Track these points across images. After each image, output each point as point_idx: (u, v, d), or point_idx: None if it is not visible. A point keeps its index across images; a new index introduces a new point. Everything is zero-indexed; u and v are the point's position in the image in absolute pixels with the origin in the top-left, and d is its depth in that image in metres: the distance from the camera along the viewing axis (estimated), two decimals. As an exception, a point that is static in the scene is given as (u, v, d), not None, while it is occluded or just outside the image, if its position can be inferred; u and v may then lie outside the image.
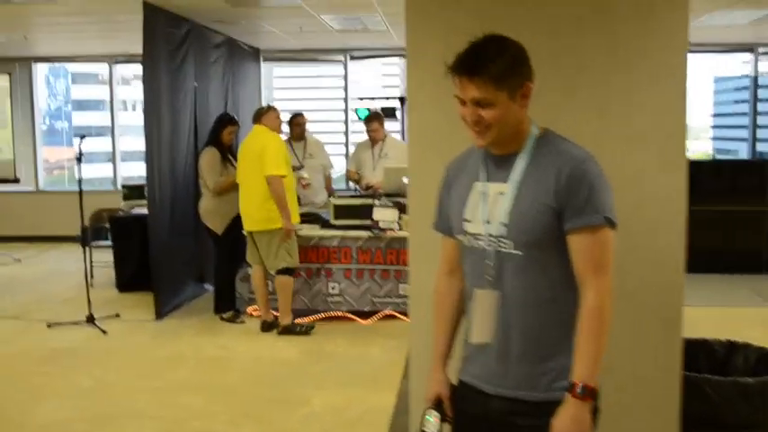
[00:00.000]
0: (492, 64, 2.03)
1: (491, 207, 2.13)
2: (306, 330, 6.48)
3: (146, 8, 6.78)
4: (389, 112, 8.37)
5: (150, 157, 6.97)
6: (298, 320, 6.59)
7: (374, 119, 7.67)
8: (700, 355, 3.04)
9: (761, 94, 10.70)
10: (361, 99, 9.92)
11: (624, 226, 2.77)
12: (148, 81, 6.99)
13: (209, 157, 6.72)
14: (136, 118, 12.70)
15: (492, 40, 2.09)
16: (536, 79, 2.07)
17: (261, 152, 6.18)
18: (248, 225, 6.43)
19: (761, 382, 2.93)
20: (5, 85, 9.91)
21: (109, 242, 8.68)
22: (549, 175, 2.06)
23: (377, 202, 6.70)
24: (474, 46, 2.08)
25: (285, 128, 7.07)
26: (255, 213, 6.31)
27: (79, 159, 6.82)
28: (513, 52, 2.08)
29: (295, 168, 6.99)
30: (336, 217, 6.81)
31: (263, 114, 6.45)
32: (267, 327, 6.50)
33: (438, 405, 2.27)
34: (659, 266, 2.82)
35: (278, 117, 6.52)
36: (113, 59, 11.48)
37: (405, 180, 6.73)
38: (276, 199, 6.15)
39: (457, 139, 2.85)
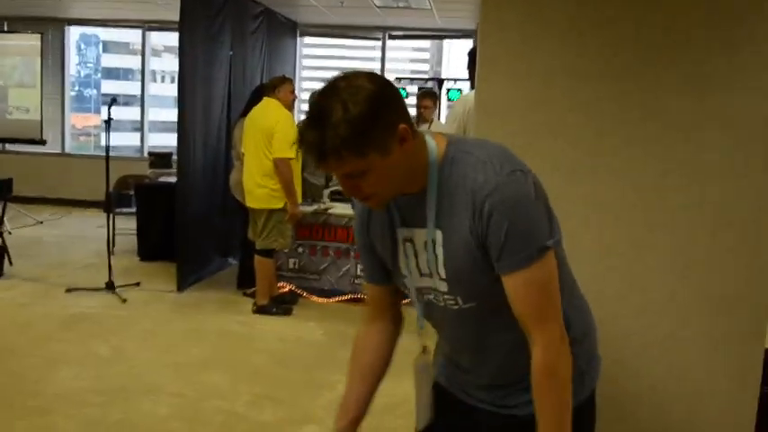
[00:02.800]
0: (339, 134, 1.59)
1: (427, 257, 1.80)
2: (284, 312, 6.28)
3: (184, -28, 6.59)
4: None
5: (182, 124, 6.78)
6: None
7: (428, 96, 7.36)
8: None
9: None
10: (399, 79, 9.67)
11: (715, 224, 2.58)
12: (184, 47, 6.78)
13: (242, 127, 6.49)
14: (164, 89, 12.59)
15: (333, 93, 1.62)
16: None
17: (270, 130, 5.90)
18: (248, 201, 6.19)
19: None
20: (36, 45, 9.76)
21: (133, 209, 8.52)
22: (464, 213, 1.70)
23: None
24: (313, 110, 1.64)
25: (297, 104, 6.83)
26: (256, 190, 6.06)
27: (108, 123, 6.64)
28: (365, 101, 1.61)
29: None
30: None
31: (278, 86, 6.14)
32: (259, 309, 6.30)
33: None
34: (749, 272, 2.58)
35: (292, 91, 6.25)
36: (147, 26, 11.32)
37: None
38: (283, 182, 5.90)
39: (531, 115, 2.66)
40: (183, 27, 6.75)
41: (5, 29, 11.37)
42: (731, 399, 2.63)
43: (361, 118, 1.59)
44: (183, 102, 6.80)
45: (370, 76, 1.66)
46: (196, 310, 6.34)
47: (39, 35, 9.84)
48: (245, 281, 6.76)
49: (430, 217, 1.74)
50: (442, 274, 1.77)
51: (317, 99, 1.65)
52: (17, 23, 11.22)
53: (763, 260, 2.56)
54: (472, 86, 5.56)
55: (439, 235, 1.75)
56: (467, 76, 5.88)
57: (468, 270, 1.73)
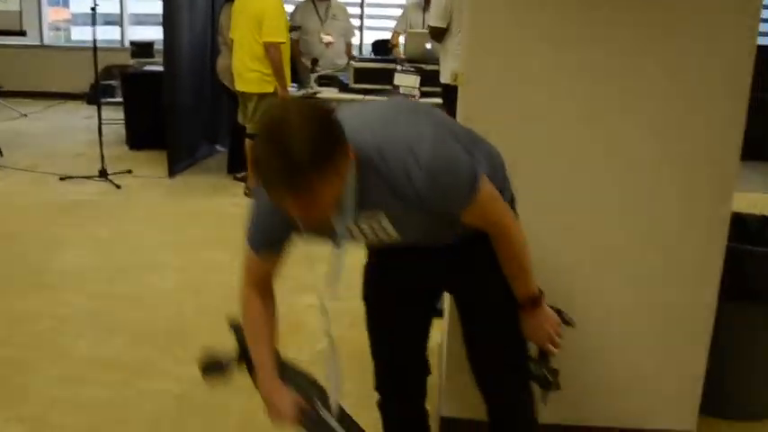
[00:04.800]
0: (307, 157, 1.56)
1: (372, 232, 1.95)
2: None
3: None
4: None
5: (168, 12, 6.77)
6: None
7: None
8: (732, 228, 3.01)
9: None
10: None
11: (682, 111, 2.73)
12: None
13: (229, 13, 6.52)
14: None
15: (285, 127, 1.58)
16: None
17: (259, 14, 5.95)
18: (239, 84, 6.27)
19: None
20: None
21: (117, 99, 8.55)
22: (404, 201, 1.80)
23: (398, 67, 6.57)
24: (272, 138, 1.60)
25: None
26: (246, 74, 6.14)
27: (93, 11, 6.62)
28: (318, 121, 1.62)
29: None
30: (356, 81, 6.69)
31: None
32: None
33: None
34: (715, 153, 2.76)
35: None
36: None
37: (428, 46, 6.65)
38: (273, 67, 5.99)
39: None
40: None
41: None
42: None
43: (322, 138, 1.60)
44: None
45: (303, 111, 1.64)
46: (190, 194, 6.51)
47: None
48: (235, 166, 6.92)
49: (345, 216, 1.81)
50: (393, 234, 1.94)
51: (272, 134, 1.61)
52: None
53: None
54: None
55: (383, 216, 1.87)
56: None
57: (420, 225, 1.92)
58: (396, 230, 1.92)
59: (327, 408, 2.01)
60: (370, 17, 8.11)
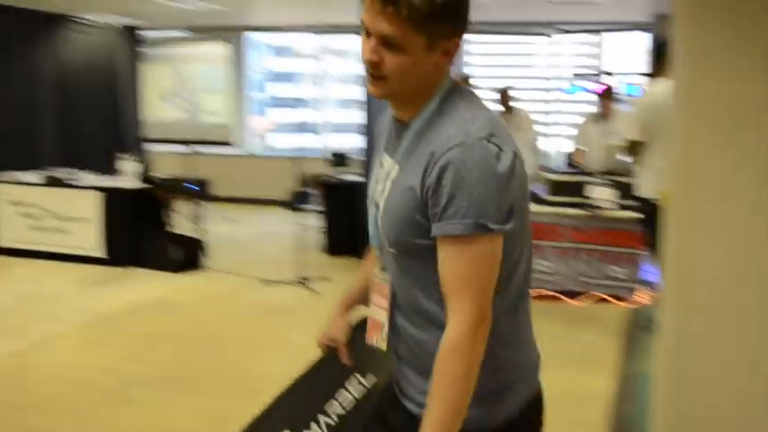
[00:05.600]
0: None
1: (381, 188, 1.73)
2: None
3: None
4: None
5: (368, 125, 7.11)
6: None
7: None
8: None
9: None
10: (577, 76, 9.65)
11: None
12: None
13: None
14: (323, 91, 12.93)
15: None
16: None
17: None
18: None
19: None
20: (223, 52, 10.31)
21: (317, 207, 8.93)
22: (421, 161, 1.58)
23: (593, 179, 6.51)
24: None
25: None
26: None
27: (300, 127, 7.05)
28: None
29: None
30: (553, 193, 6.66)
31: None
32: None
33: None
34: None
35: None
36: (319, 30, 11.54)
37: (619, 157, 6.55)
38: None
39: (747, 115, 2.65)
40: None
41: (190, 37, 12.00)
42: None
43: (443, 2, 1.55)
44: (369, 101, 7.15)
45: None
46: (383, 301, 6.62)
47: (226, 43, 10.38)
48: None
49: (399, 149, 1.69)
50: (381, 206, 1.71)
51: None
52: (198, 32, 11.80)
53: None
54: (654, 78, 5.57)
55: (396, 170, 1.68)
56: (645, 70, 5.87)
57: (397, 217, 1.66)
58: (384, 202, 1.69)
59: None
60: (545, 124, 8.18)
